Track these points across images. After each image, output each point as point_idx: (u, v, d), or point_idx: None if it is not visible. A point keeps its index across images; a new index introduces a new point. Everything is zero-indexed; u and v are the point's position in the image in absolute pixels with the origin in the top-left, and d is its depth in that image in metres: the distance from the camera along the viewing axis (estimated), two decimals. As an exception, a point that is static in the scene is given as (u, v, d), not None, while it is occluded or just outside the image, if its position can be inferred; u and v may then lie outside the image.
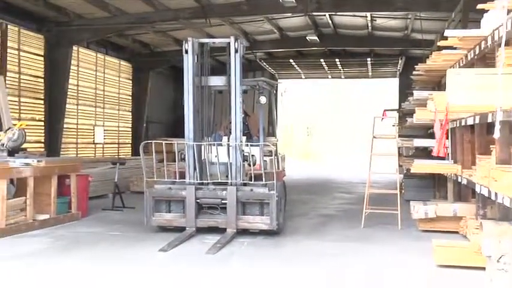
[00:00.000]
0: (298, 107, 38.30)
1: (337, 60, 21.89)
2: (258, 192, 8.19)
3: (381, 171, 10.25)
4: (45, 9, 13.50)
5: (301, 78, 25.98)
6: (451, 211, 8.35)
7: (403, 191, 11.85)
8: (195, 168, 8.42)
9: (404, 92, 15.49)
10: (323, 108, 41.75)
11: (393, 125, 11.46)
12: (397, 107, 18.33)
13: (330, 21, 16.72)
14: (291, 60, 22.11)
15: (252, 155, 8.53)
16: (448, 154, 8.54)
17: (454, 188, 9.51)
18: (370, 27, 16.97)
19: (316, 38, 17.71)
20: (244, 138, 8.73)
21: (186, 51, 8.40)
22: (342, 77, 25.76)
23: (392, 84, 24.48)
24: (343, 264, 6.58)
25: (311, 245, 7.84)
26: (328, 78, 26.28)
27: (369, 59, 21.40)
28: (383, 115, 11.27)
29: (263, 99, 9.40)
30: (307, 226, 9.46)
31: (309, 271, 6.25)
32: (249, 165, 8.45)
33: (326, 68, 23.54)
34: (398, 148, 11.72)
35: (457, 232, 8.05)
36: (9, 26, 12.87)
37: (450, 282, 5.87)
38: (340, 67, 23.31)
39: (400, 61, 21.07)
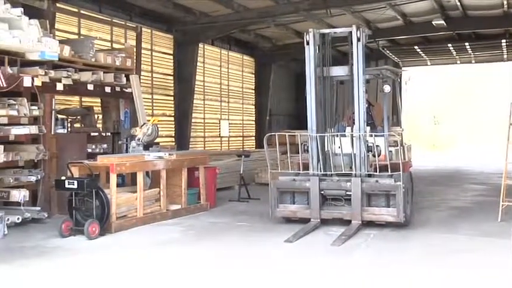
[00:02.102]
0: (424, 95, 36.71)
1: (466, 44, 20.59)
2: (384, 184, 7.99)
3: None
4: (174, 10, 14.25)
5: (426, 65, 24.89)
6: None
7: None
8: (318, 160, 8.40)
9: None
10: (451, 96, 39.62)
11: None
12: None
13: (459, 3, 15.74)
14: (416, 47, 21.21)
15: (377, 146, 8.34)
16: None
17: None
18: (505, 6, 15.68)
19: (442, 22, 16.78)
20: (368, 128, 8.55)
21: (308, 43, 8.41)
22: (473, 61, 24.25)
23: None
24: (480, 263, 6.12)
25: (442, 239, 7.48)
26: (456, 63, 24.91)
27: (503, 41, 19.85)
28: (521, 100, 10.44)
29: (387, 88, 9.16)
30: (436, 219, 9.04)
31: (442, 269, 5.93)
32: (374, 156, 8.28)
33: (454, 53, 22.29)
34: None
35: None
36: (143, 29, 13.77)
37: None
38: (470, 51, 21.93)
39: (542, 40, 19.31)
